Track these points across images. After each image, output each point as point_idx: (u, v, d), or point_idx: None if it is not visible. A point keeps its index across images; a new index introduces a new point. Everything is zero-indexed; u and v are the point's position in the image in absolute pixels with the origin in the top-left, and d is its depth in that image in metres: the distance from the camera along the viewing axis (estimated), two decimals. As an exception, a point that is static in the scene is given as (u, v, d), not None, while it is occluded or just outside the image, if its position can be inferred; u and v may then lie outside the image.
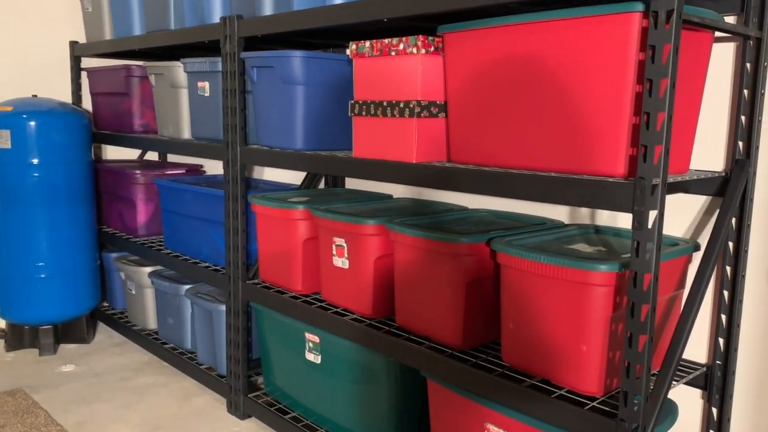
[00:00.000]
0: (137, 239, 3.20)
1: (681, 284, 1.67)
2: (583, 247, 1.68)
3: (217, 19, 2.48)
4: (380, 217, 1.98)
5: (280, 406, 2.43)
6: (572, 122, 1.50)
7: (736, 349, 1.72)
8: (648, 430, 1.39)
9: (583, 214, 2.03)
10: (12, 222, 2.95)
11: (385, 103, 1.86)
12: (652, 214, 1.31)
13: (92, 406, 2.57)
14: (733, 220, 1.68)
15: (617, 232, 1.84)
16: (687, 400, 1.84)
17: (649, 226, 1.31)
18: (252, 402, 2.46)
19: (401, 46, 1.80)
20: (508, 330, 1.66)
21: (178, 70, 2.72)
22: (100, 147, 3.81)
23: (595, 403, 1.49)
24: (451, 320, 1.78)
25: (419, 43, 1.76)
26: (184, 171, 3.32)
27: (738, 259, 1.69)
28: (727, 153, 1.73)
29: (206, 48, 2.76)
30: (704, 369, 1.75)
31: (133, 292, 3.19)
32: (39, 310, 3.02)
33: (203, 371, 2.73)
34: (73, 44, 3.47)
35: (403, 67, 1.82)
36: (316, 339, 2.20)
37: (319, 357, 2.20)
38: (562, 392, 1.54)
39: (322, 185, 2.86)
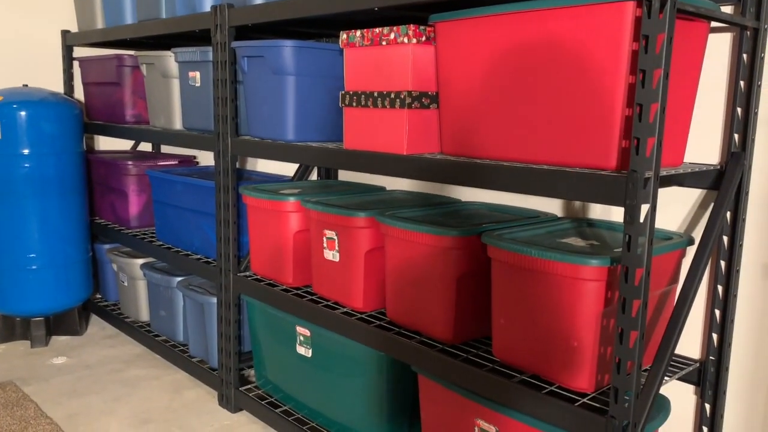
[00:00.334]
0: (129, 231, 3.18)
1: (674, 279, 1.65)
2: (575, 241, 1.65)
3: (208, 8, 2.44)
4: (371, 210, 1.95)
5: (272, 399, 2.41)
6: (564, 114, 1.47)
7: (729, 345, 1.70)
8: (639, 426, 1.37)
9: (579, 208, 2.00)
10: (2, 213, 2.92)
11: (375, 94, 1.83)
12: (644, 208, 1.29)
13: (83, 399, 2.55)
14: (728, 214, 1.66)
15: (611, 226, 1.82)
16: (680, 395, 1.82)
17: (641, 220, 1.29)
18: (243, 395, 2.45)
19: (392, 36, 1.77)
20: (499, 325, 1.63)
21: (169, 59, 2.69)
22: (92, 138, 3.78)
23: (585, 400, 1.47)
24: (441, 315, 1.75)
25: (410, 33, 1.73)
26: (176, 162, 3.29)
27: (732, 254, 1.66)
28: (722, 146, 1.70)
29: (198, 38, 2.73)
30: (697, 365, 1.73)
31: (126, 284, 3.17)
32: (30, 302, 3.00)
33: (195, 364, 2.71)
34: (65, 33, 3.44)
35: (393, 57, 1.78)
36: (307, 332, 2.17)
37: (310, 350, 2.18)
38: (553, 388, 1.52)
39: (315, 177, 2.83)
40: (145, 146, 3.91)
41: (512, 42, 1.55)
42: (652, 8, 1.24)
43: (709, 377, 1.72)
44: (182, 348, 2.88)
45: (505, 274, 1.59)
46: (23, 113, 2.89)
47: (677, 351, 1.81)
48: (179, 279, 2.81)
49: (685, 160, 1.76)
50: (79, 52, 3.57)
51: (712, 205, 1.66)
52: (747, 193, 1.65)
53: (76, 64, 3.50)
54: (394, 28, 1.76)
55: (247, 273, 2.45)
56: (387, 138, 1.83)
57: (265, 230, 2.30)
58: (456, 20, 1.67)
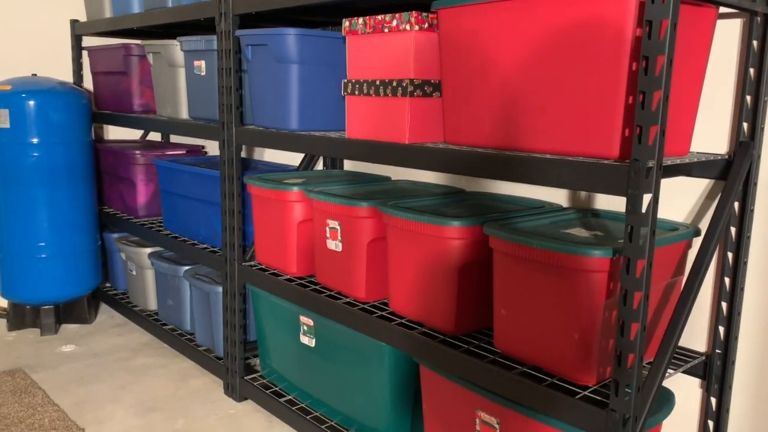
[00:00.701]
0: (137, 220, 3.19)
1: (680, 270, 1.62)
2: (579, 231, 1.63)
3: (213, -3, 2.43)
4: (374, 200, 1.94)
5: (276, 389, 2.42)
6: (567, 102, 1.44)
7: (736, 338, 1.67)
8: (640, 420, 1.35)
9: (586, 198, 1.97)
10: (12, 202, 2.94)
11: (377, 82, 1.81)
12: (647, 198, 1.26)
13: (89, 387, 2.57)
14: (736, 205, 1.62)
15: (617, 216, 1.79)
16: (686, 389, 1.80)
17: (643, 210, 1.26)
18: (248, 384, 2.45)
19: (394, 23, 1.74)
20: (500, 316, 1.61)
21: (175, 48, 2.68)
22: (102, 127, 3.79)
23: (586, 392, 1.45)
24: (443, 306, 1.74)
25: (412, 20, 1.70)
26: (184, 152, 3.29)
27: (740, 245, 1.63)
28: (731, 135, 1.66)
29: (204, 27, 2.72)
30: (703, 358, 1.70)
31: (134, 273, 3.18)
32: (40, 290, 3.02)
33: (201, 353, 2.72)
34: (74, 23, 3.44)
35: (396, 45, 1.76)
36: (311, 322, 2.17)
37: (314, 340, 2.17)
38: (554, 380, 1.50)
39: (320, 167, 2.82)
40: (155, 136, 3.92)
41: (513, 28, 1.52)
42: (655, -7, 1.21)
43: (715, 371, 1.69)
44: (189, 337, 2.89)
45: (507, 265, 1.57)
46: (32, 102, 2.90)
47: (683, 344, 1.78)
48: (186, 268, 2.81)
49: (692, 150, 1.72)
50: (88, 41, 3.57)
51: (719, 195, 1.62)
52: (755, 184, 1.61)
53: (85, 53, 3.51)
54: (396, 15, 1.73)
55: (252, 262, 2.45)
56: (389, 127, 1.81)
57: (269, 220, 2.29)
58: (459, 6, 1.64)
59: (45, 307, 3.08)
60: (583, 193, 1.97)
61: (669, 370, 1.57)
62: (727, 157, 1.61)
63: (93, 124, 3.20)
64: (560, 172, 1.38)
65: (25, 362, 2.78)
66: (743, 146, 1.59)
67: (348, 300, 2.04)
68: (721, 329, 1.67)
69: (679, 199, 1.76)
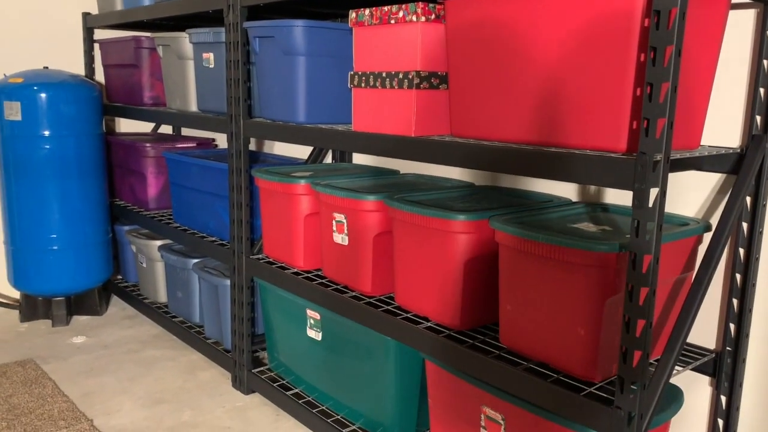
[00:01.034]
0: (148, 212, 3.20)
1: (690, 266, 1.59)
2: (587, 226, 1.60)
3: (221, -11, 2.42)
4: (380, 193, 1.92)
5: (283, 382, 2.41)
6: (574, 94, 1.42)
7: (747, 336, 1.64)
8: (646, 417, 1.32)
9: (595, 192, 1.94)
10: (24, 194, 2.96)
11: (384, 74, 1.79)
12: (654, 192, 1.23)
13: (99, 378, 2.58)
14: (748, 200, 1.59)
15: (626, 211, 1.76)
16: (695, 387, 1.77)
17: (650, 205, 1.23)
18: (256, 377, 2.45)
19: (401, 14, 1.72)
20: (506, 311, 1.60)
21: (184, 41, 2.68)
22: (113, 120, 3.81)
23: (592, 389, 1.43)
24: (449, 300, 1.72)
25: (419, 11, 1.68)
26: (195, 144, 3.30)
27: (752, 241, 1.60)
28: (743, 128, 1.63)
29: (213, 19, 2.71)
30: (713, 355, 1.67)
31: (144, 265, 3.20)
32: (51, 282, 3.04)
33: (210, 345, 2.73)
34: (86, 15, 3.45)
35: (402, 36, 1.74)
36: (317, 316, 2.16)
37: (320, 334, 2.17)
38: (559, 377, 1.48)
39: (330, 160, 2.81)
40: (167, 128, 3.93)
41: (522, 19, 1.50)
42: (664, -18, 1.18)
43: (726, 368, 1.66)
44: (198, 329, 2.90)
45: (513, 259, 1.55)
46: (43, 95, 2.91)
47: (693, 341, 1.75)
48: (195, 261, 2.82)
49: (703, 143, 1.69)
50: (100, 34, 3.58)
51: (731, 190, 1.59)
52: (768, 178, 1.58)
53: (96, 46, 3.52)
54: (403, 5, 1.71)
55: (260, 256, 2.44)
56: (395, 119, 1.79)
57: (276, 213, 2.28)
58: (465, -3, 1.62)
59: (57, 299, 3.11)
60: (593, 187, 1.94)
61: (677, 368, 1.55)
62: (739, 150, 1.58)
63: (104, 117, 3.22)
64: (565, 166, 1.36)
65: (36, 353, 2.81)
66: (756, 140, 1.56)
67: (354, 294, 2.03)
68: (732, 326, 1.64)
69: (691, 194, 1.73)
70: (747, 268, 1.61)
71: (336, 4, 2.27)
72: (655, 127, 1.21)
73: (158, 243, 3.08)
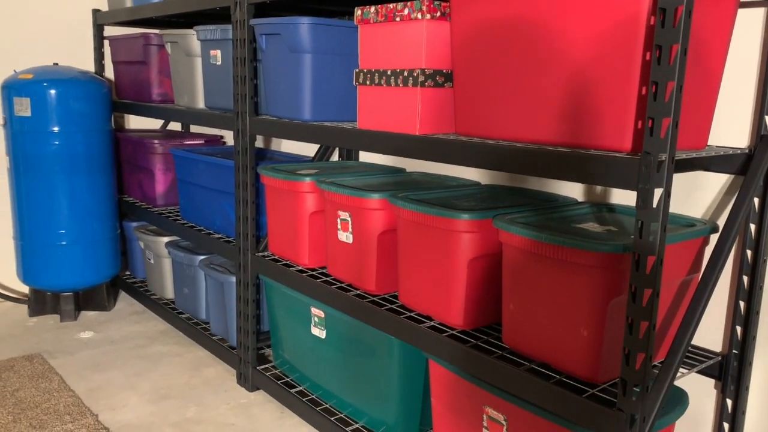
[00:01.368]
0: (155, 209, 3.21)
1: (696, 268, 1.57)
2: (591, 226, 1.59)
3: (229, -14, 2.42)
4: (385, 192, 1.91)
5: (288, 379, 2.41)
6: (579, 93, 1.40)
7: (754, 338, 1.62)
8: (649, 420, 1.31)
9: (602, 191, 1.93)
10: (33, 190, 2.98)
11: (389, 72, 1.78)
12: (658, 192, 1.22)
13: (105, 373, 2.60)
14: (756, 201, 1.57)
15: (632, 211, 1.74)
16: (701, 389, 1.75)
17: (654, 205, 1.22)
18: (261, 374, 2.45)
19: (406, 11, 1.71)
20: (509, 311, 1.59)
21: (192, 38, 2.68)
22: (123, 116, 3.82)
23: (594, 391, 1.41)
24: (452, 300, 1.71)
25: (424, 8, 1.67)
26: (203, 141, 3.30)
27: (759, 243, 1.57)
28: (752, 128, 1.60)
29: (220, 16, 2.71)
30: (719, 358, 1.65)
31: (152, 261, 3.21)
32: (59, 277, 3.06)
33: (216, 342, 2.73)
34: (96, 12, 3.46)
35: (407, 34, 1.73)
36: (321, 314, 2.16)
37: (324, 332, 2.16)
38: (562, 378, 1.47)
39: (336, 158, 2.80)
40: (176, 125, 3.94)
41: (527, 17, 1.48)
42: (670, -21, 1.16)
43: (732, 371, 1.64)
44: (204, 326, 2.90)
45: (516, 259, 1.54)
46: (53, 91, 2.93)
47: (699, 344, 1.74)
48: (201, 258, 2.82)
49: (710, 143, 1.67)
50: (110, 31, 3.60)
51: (738, 191, 1.57)
52: (777, 179, 1.56)
53: (106, 43, 3.53)
54: (408, 3, 1.70)
55: (265, 253, 2.44)
56: (400, 117, 1.78)
57: (281, 210, 2.28)
58: (471, -5, 1.61)
59: (65, 294, 3.13)
60: (599, 187, 1.93)
61: (682, 370, 1.53)
62: (747, 151, 1.56)
63: (113, 114, 3.23)
64: (569, 166, 1.34)
65: (43, 348, 2.83)
66: (764, 140, 1.53)
67: (358, 292, 2.02)
68: (739, 329, 1.62)
69: (698, 195, 1.71)
70: (754, 269, 1.59)
71: (342, 2, 2.27)
72: (659, 126, 1.19)
73: (165, 239, 3.09)
